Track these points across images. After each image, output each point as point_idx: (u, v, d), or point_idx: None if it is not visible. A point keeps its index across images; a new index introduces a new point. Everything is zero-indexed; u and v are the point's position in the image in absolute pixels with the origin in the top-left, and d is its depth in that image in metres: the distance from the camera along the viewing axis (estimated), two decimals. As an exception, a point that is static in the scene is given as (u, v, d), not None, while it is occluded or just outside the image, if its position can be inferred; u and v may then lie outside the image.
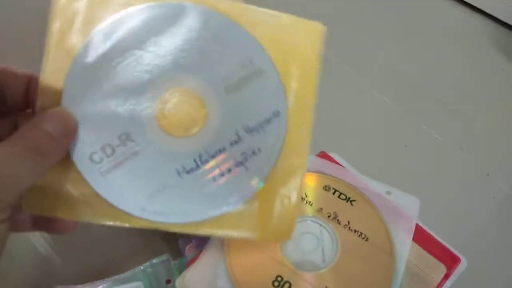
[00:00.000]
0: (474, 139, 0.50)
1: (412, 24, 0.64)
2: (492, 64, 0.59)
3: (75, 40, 0.22)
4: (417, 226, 0.33)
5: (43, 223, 0.23)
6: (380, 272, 0.31)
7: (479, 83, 0.56)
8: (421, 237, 0.33)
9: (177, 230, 0.23)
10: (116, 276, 0.34)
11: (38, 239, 0.38)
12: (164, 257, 0.34)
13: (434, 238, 0.33)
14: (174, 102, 0.23)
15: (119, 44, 0.22)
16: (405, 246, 0.32)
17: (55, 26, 0.22)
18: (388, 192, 0.35)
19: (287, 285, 0.30)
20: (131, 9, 0.23)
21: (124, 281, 0.34)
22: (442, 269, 0.32)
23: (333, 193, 0.35)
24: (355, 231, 0.32)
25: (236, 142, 0.24)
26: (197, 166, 0.24)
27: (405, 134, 0.49)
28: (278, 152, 0.25)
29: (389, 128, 0.50)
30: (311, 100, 0.25)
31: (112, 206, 0.23)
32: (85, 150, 0.22)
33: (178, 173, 0.23)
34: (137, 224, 0.23)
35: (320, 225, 0.33)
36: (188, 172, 0.23)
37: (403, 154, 0.48)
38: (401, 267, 0.31)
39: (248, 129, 0.24)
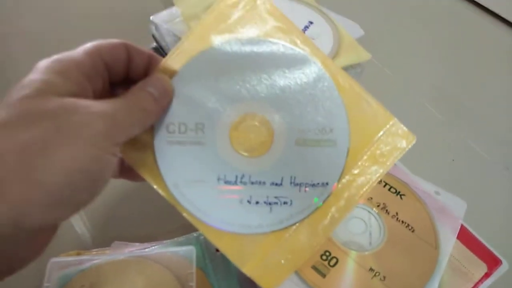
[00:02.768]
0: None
1: (466, 43, 0.66)
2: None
3: (213, 38, 0.26)
4: (462, 226, 0.35)
5: (127, 172, 0.27)
6: (423, 262, 0.32)
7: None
8: (465, 237, 0.35)
9: (187, 217, 0.26)
10: (172, 240, 0.37)
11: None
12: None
13: (478, 239, 0.35)
14: (251, 124, 0.26)
15: (244, 58, 0.26)
16: (449, 241, 0.33)
17: (208, 19, 0.26)
18: (437, 193, 0.37)
19: (334, 260, 0.32)
20: (269, 38, 0.27)
21: (179, 244, 0.36)
22: (483, 268, 0.33)
23: (384, 186, 0.37)
24: (402, 222, 0.34)
25: (276, 185, 0.26)
26: (235, 182, 0.26)
27: (453, 148, 0.51)
28: (303, 217, 0.26)
29: (437, 141, 0.52)
30: (360, 193, 0.27)
31: (159, 172, 0.26)
32: (167, 118, 0.26)
33: (218, 179, 0.26)
34: (166, 196, 0.26)
35: (369, 212, 0.35)
36: (225, 183, 0.26)
37: (449, 167, 0.49)
38: (444, 260, 0.32)
39: (293, 181, 0.26)
